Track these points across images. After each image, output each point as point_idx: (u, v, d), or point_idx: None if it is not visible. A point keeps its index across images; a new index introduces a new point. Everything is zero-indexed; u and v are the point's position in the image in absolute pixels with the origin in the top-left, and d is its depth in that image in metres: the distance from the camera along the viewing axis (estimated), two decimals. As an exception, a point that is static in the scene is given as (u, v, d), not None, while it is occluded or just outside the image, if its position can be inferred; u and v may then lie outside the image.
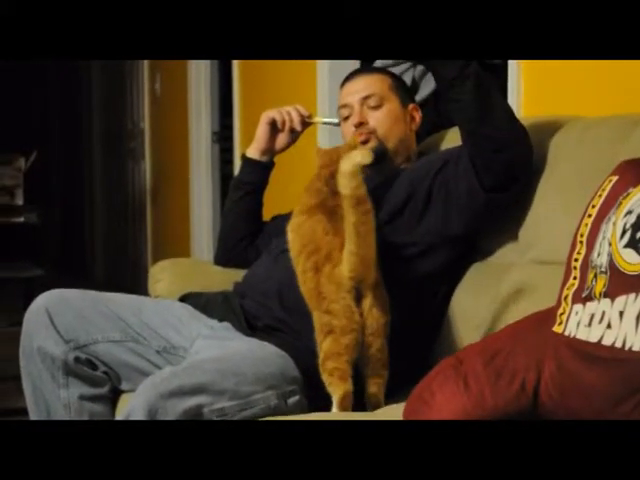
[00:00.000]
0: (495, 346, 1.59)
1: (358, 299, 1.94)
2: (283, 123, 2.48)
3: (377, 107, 2.39)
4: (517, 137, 2.09)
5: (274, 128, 2.50)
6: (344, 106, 2.43)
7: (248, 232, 2.55)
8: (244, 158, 2.56)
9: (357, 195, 1.86)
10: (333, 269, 1.95)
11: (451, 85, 2.08)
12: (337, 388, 1.92)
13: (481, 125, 2.07)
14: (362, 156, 1.85)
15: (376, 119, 2.39)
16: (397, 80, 2.49)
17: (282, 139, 2.51)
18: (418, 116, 2.45)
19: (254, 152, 2.54)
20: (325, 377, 1.94)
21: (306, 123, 2.51)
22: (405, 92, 2.47)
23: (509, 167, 2.09)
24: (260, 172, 2.54)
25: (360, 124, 2.39)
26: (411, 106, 2.45)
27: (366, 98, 2.39)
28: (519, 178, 2.11)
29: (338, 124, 2.45)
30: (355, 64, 3.30)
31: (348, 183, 1.85)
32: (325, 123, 2.61)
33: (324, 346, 1.94)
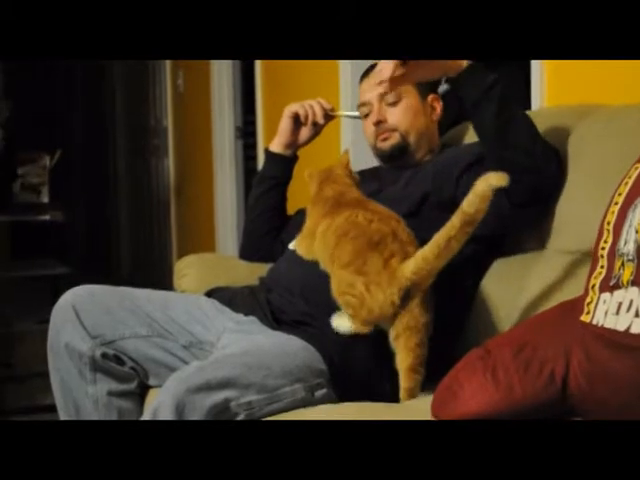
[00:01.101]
0: (523, 337, 1.58)
1: (404, 297, 1.92)
2: (306, 117, 2.48)
3: (395, 103, 2.39)
4: (541, 162, 2.05)
5: (297, 122, 2.50)
6: (363, 104, 2.43)
7: (272, 226, 2.55)
8: (267, 152, 2.56)
9: (474, 218, 1.85)
10: (390, 259, 1.94)
11: (474, 106, 2.06)
12: (359, 326, 1.94)
13: (503, 149, 2.05)
14: (497, 179, 1.81)
15: (395, 115, 2.39)
16: None
17: (305, 133, 2.51)
18: (439, 106, 2.45)
19: (277, 146, 2.54)
20: (344, 308, 1.96)
21: (329, 116, 2.51)
22: (426, 83, 2.44)
23: (533, 190, 2.06)
24: (283, 166, 2.54)
25: (379, 122, 2.39)
26: (431, 97, 2.43)
27: (383, 94, 2.39)
28: (543, 199, 2.09)
29: (360, 117, 2.45)
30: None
31: (477, 204, 1.84)
32: (347, 116, 2.61)
33: (348, 299, 1.95)
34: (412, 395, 1.92)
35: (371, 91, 2.41)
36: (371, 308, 1.92)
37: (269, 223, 2.55)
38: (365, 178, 2.32)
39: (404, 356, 1.93)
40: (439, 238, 1.88)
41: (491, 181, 1.82)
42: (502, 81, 2.04)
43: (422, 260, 1.90)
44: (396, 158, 2.40)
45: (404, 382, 1.93)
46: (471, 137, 2.45)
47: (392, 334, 1.94)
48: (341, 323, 1.98)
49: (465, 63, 2.04)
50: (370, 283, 1.92)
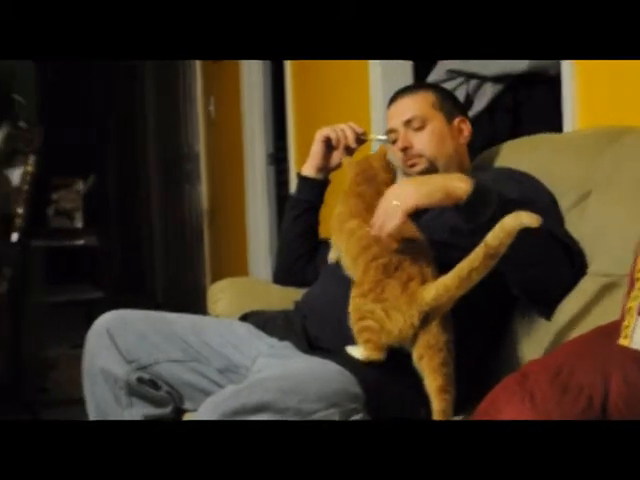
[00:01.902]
0: (560, 361, 1.57)
1: (424, 320, 1.94)
2: (338, 140, 2.48)
3: (420, 128, 2.38)
4: (548, 271, 2.03)
5: (329, 146, 2.50)
6: (390, 130, 2.44)
7: (305, 250, 2.55)
8: (299, 176, 2.57)
9: (498, 251, 1.86)
10: (409, 282, 1.96)
11: (473, 233, 1.95)
12: (371, 352, 1.97)
13: (507, 264, 1.98)
14: (529, 219, 1.81)
15: (421, 141, 2.38)
16: (442, 94, 2.46)
17: (337, 156, 2.51)
18: (467, 128, 2.43)
19: (309, 170, 2.54)
20: (358, 339, 1.99)
21: (360, 140, 2.51)
22: (452, 105, 2.44)
23: (541, 294, 2.07)
24: (315, 190, 2.54)
25: (405, 148, 2.39)
26: (457, 120, 2.42)
27: (409, 121, 2.39)
28: (556, 295, 2.07)
29: (390, 141, 2.45)
30: (407, 77, 3.31)
31: (502, 238, 1.84)
32: (379, 140, 2.61)
33: (365, 324, 1.97)
34: (446, 416, 1.92)
35: (397, 117, 2.41)
36: (390, 330, 1.95)
37: (302, 247, 2.55)
38: None
39: (431, 378, 1.93)
40: (461, 268, 1.89)
41: (523, 219, 1.82)
42: (504, 203, 1.94)
43: (443, 288, 1.92)
44: None
45: (436, 404, 1.92)
46: (503, 160, 2.45)
47: (415, 356, 1.95)
48: (353, 351, 2.01)
49: (465, 191, 1.91)
50: (389, 308, 1.95)
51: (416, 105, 2.40)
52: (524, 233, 1.87)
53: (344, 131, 2.48)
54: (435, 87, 2.55)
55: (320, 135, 2.50)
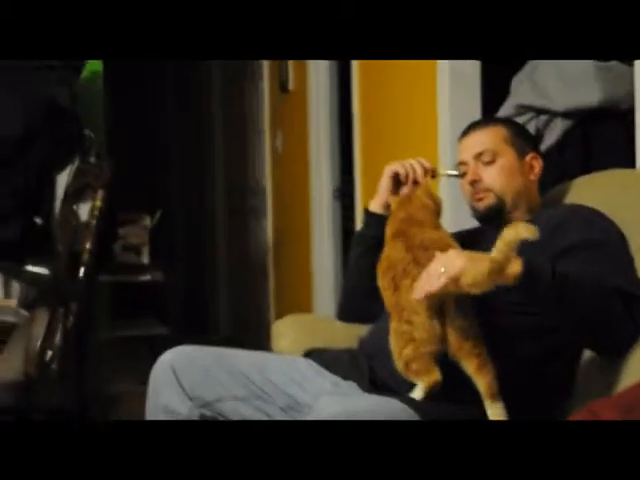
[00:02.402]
0: (632, 397, 1.53)
1: (438, 310, 2.00)
2: (406, 176, 2.45)
3: (491, 162, 2.36)
4: (613, 334, 2.00)
5: (397, 181, 2.47)
6: (460, 163, 2.41)
7: (371, 288, 2.50)
8: (366, 212, 2.54)
9: (502, 266, 1.88)
10: (412, 282, 2.02)
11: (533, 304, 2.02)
12: (425, 378, 2.00)
13: (572, 327, 2.03)
14: (526, 231, 1.86)
15: (490, 175, 2.36)
16: (515, 129, 2.44)
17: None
18: (538, 165, 2.40)
19: (376, 206, 2.51)
20: (411, 377, 2.02)
21: (430, 175, 2.48)
22: (524, 141, 2.41)
23: (609, 353, 2.06)
24: (383, 226, 2.48)
25: (474, 182, 2.36)
26: (530, 156, 2.39)
27: (480, 154, 2.36)
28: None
29: (460, 176, 2.43)
30: (476, 112, 3.29)
31: (505, 252, 1.87)
32: (449, 175, 2.57)
33: (405, 352, 2.02)
34: (492, 390, 1.97)
35: (468, 150, 2.39)
36: (421, 338, 2.00)
37: (368, 284, 2.50)
38: (466, 239, 2.30)
39: (468, 362, 1.99)
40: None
41: (519, 231, 1.86)
42: (561, 277, 1.96)
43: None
44: (492, 218, 2.36)
45: (479, 382, 1.98)
46: (573, 196, 2.41)
47: (450, 351, 2.00)
48: (414, 394, 2.02)
49: (515, 274, 1.92)
50: (410, 315, 2.02)
51: (488, 139, 2.38)
52: (576, 290, 1.93)
53: (413, 166, 2.45)
54: (508, 122, 2.53)
55: (389, 170, 2.47)
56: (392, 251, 2.20)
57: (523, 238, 1.86)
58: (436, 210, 2.31)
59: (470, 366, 1.99)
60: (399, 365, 2.03)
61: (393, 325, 2.07)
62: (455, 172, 2.45)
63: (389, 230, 2.29)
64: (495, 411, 1.97)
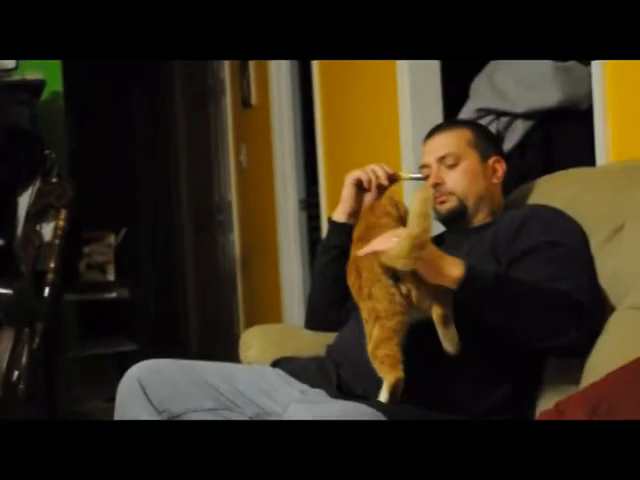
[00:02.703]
0: (597, 395, 1.53)
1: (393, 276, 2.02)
2: (369, 181, 2.45)
3: (453, 166, 2.36)
4: (557, 334, 2.00)
5: (360, 188, 2.47)
6: (423, 166, 2.41)
7: (337, 296, 2.49)
8: (330, 222, 2.53)
9: (423, 239, 1.93)
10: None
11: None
12: (388, 375, 1.99)
13: (515, 332, 2.04)
14: (427, 192, 1.99)
15: (453, 179, 2.36)
16: (479, 133, 2.44)
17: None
18: (501, 169, 2.40)
19: (340, 215, 2.50)
20: (376, 365, 2.01)
21: (392, 179, 2.48)
22: (488, 144, 2.41)
23: (557, 353, 2.08)
24: (347, 235, 2.45)
25: (436, 185, 2.36)
26: (493, 159, 2.39)
27: (442, 157, 2.37)
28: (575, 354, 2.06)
29: (424, 179, 2.43)
30: (438, 117, 3.29)
31: (417, 223, 1.91)
32: (411, 178, 2.57)
33: (374, 333, 2.02)
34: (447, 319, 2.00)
35: (431, 153, 2.39)
36: (384, 307, 2.01)
37: (334, 294, 2.51)
38: (441, 241, 2.33)
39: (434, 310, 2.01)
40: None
41: (423, 196, 1.92)
42: (502, 282, 2.01)
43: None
44: (454, 221, 2.37)
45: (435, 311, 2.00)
46: (535, 196, 2.42)
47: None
48: (381, 396, 2.02)
49: (455, 280, 1.97)
50: (370, 288, 2.05)
51: (451, 142, 2.38)
52: (519, 297, 1.97)
53: (375, 171, 2.45)
54: (473, 124, 2.53)
55: (351, 178, 2.47)
56: (356, 253, 2.20)
57: (429, 199, 1.94)
58: (399, 216, 2.31)
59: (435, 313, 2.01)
60: (369, 349, 2.03)
61: (361, 307, 2.10)
62: (418, 175, 2.45)
63: (355, 235, 2.32)
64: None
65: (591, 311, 2.01)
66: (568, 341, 1.99)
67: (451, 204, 2.35)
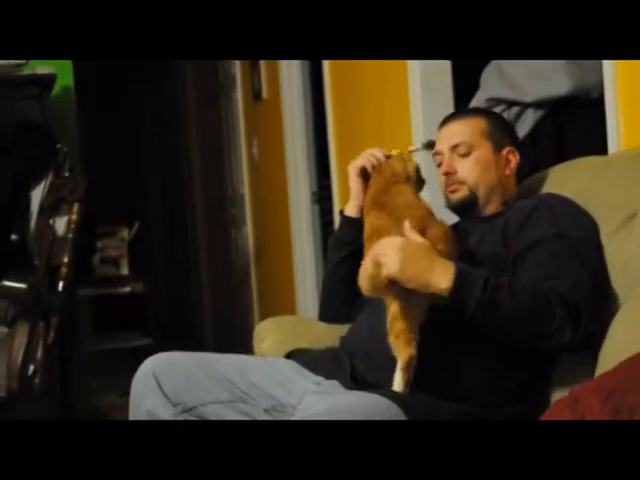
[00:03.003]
0: (611, 383, 1.53)
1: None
2: (372, 166, 2.44)
3: (466, 155, 2.35)
4: (553, 337, 2.01)
5: (366, 178, 2.46)
6: (436, 153, 2.41)
7: (348, 296, 2.46)
8: (343, 217, 2.52)
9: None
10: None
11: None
12: (402, 352, 2.00)
13: (511, 335, 2.05)
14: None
15: (464, 168, 2.35)
16: (495, 122, 2.42)
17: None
18: (514, 159, 2.39)
19: (352, 210, 2.49)
20: (392, 340, 2.01)
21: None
22: (503, 135, 2.40)
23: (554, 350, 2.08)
24: (359, 229, 2.38)
25: (448, 173, 2.36)
26: (506, 150, 2.38)
27: (455, 146, 2.36)
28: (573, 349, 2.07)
29: (422, 149, 2.43)
30: (449, 110, 3.29)
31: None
32: (413, 151, 2.54)
33: (392, 308, 2.01)
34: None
35: (444, 141, 2.38)
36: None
37: (344, 293, 2.48)
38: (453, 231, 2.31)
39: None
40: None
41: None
42: (492, 288, 1.99)
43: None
44: (464, 210, 2.37)
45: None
46: (547, 186, 2.42)
47: None
48: (395, 384, 2.02)
49: (445, 289, 1.97)
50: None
51: (465, 131, 2.37)
52: (509, 301, 1.97)
53: (373, 154, 2.44)
54: (489, 114, 2.52)
55: (353, 169, 2.46)
56: (374, 220, 2.22)
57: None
58: (407, 175, 2.33)
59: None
60: (388, 321, 2.03)
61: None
62: (419, 146, 2.45)
63: (366, 203, 2.34)
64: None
65: (587, 312, 2.01)
66: (564, 342, 2.01)
67: (462, 193, 2.35)
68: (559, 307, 1.99)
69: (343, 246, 2.50)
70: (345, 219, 2.51)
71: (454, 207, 2.38)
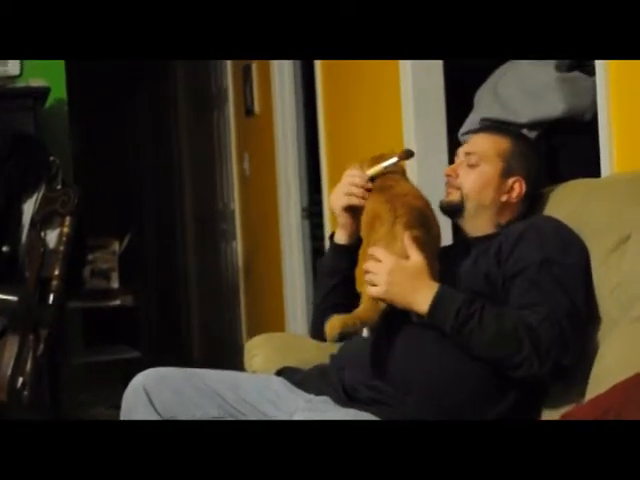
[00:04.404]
0: (605, 404, 1.53)
1: None
2: (359, 199, 2.32)
3: (474, 165, 2.35)
4: (531, 368, 2.06)
5: (353, 210, 2.34)
6: (457, 154, 2.43)
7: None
8: (333, 245, 2.42)
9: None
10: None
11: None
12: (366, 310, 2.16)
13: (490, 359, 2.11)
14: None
15: (466, 175, 2.36)
16: (518, 148, 2.39)
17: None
18: (519, 189, 2.35)
19: (342, 238, 2.38)
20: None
21: (372, 179, 2.33)
22: (519, 162, 2.36)
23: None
24: (350, 257, 2.33)
25: (449, 176, 2.38)
26: (513, 179, 2.34)
27: (469, 154, 2.37)
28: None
29: (397, 162, 2.36)
30: (441, 129, 3.31)
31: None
32: (386, 167, 2.45)
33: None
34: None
35: (465, 145, 2.43)
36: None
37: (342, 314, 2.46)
38: (450, 251, 2.35)
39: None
40: None
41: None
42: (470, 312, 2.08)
43: None
44: (450, 214, 2.39)
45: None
46: (540, 208, 2.42)
47: None
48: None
49: (424, 310, 2.11)
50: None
51: (484, 144, 2.38)
52: (479, 330, 2.05)
53: (354, 185, 2.33)
54: (519, 139, 2.49)
55: (338, 209, 2.36)
56: (374, 205, 2.26)
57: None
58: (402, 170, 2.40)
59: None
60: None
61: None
62: (394, 159, 2.36)
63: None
64: None
65: (558, 344, 2.04)
66: (533, 373, 2.05)
67: (452, 197, 2.36)
68: (526, 339, 2.03)
69: (334, 274, 2.42)
70: (335, 247, 2.41)
71: (442, 207, 2.39)
